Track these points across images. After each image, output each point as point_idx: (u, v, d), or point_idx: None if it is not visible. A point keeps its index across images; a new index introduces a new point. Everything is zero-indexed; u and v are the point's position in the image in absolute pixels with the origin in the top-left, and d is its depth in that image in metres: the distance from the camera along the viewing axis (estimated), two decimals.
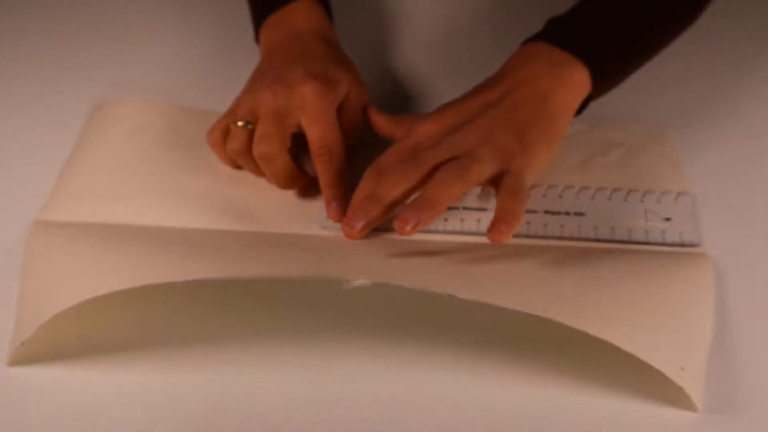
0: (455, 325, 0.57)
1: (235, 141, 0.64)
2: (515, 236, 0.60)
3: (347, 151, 0.65)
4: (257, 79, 0.67)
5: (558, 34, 0.64)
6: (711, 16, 0.69)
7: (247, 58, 0.72)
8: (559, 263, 0.59)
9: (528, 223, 0.63)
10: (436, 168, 0.59)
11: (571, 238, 0.62)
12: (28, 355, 0.55)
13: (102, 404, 0.54)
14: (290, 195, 0.66)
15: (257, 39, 0.72)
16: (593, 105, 0.66)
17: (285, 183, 0.65)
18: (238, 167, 0.67)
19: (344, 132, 0.65)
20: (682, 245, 0.62)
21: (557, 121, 0.63)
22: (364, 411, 0.53)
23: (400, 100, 0.77)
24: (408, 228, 0.56)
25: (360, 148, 0.67)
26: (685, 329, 0.55)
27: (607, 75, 0.64)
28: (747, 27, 0.85)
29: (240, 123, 0.64)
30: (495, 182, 0.60)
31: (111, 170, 0.68)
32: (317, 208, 0.65)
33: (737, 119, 0.73)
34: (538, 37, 0.65)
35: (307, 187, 0.66)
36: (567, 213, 0.64)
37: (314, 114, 0.63)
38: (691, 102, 0.76)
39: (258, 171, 0.65)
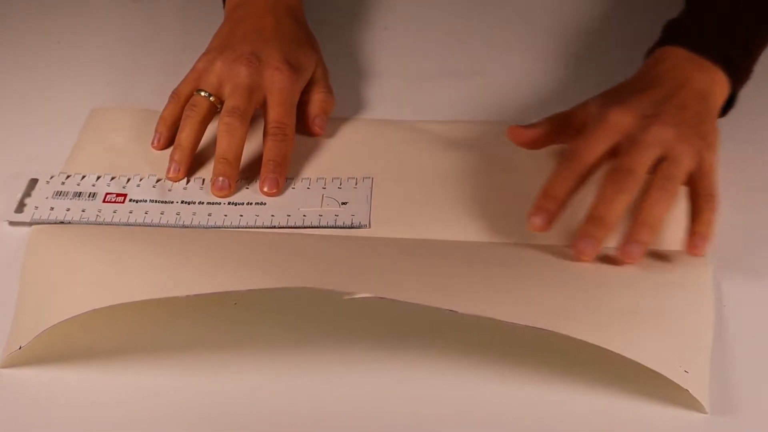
0: (458, 327, 0.57)
1: (197, 108, 0.67)
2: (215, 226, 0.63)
3: (309, 136, 0.70)
4: (228, 41, 0.70)
5: (690, 39, 0.65)
6: None
7: None
8: (558, 270, 0.59)
9: (210, 214, 0.64)
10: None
11: (247, 227, 0.64)
12: (23, 357, 0.54)
13: (95, 407, 0.53)
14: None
15: None
16: None
17: (235, 156, 0.65)
18: (168, 129, 0.69)
19: (312, 109, 0.71)
20: (351, 227, 0.63)
21: (714, 120, 0.64)
22: (364, 414, 0.53)
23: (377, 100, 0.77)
24: (634, 256, 0.57)
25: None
26: (686, 333, 0.55)
27: (740, 73, 0.66)
28: None
29: (203, 93, 0.68)
30: (688, 182, 0.60)
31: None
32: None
33: (736, 119, 0.73)
34: (669, 41, 0.66)
35: None
36: (249, 203, 0.65)
37: (280, 98, 0.68)
38: None
39: (193, 140, 0.67)
